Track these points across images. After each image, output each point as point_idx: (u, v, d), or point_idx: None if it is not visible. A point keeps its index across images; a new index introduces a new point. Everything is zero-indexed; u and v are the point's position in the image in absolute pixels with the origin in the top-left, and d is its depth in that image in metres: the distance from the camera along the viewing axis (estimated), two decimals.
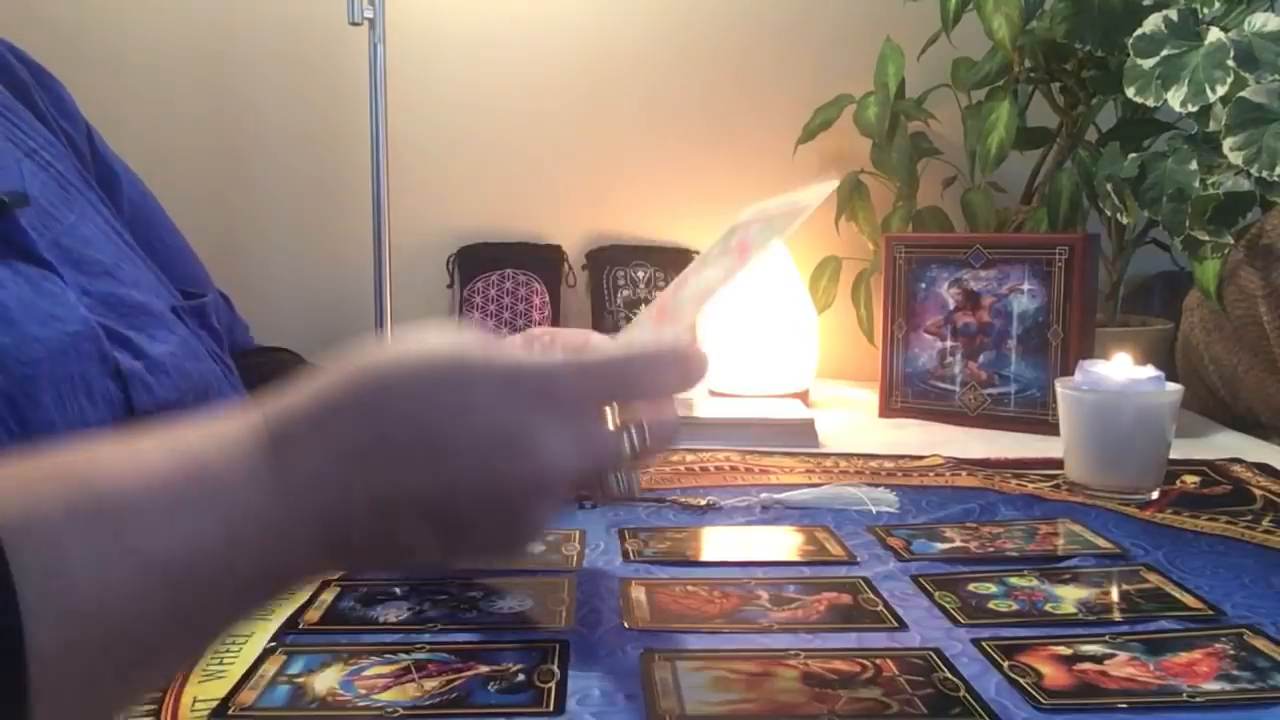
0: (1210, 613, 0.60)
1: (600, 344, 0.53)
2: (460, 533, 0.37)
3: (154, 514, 0.30)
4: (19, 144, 0.52)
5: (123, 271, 0.52)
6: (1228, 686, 0.51)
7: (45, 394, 0.41)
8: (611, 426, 0.39)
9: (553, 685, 0.49)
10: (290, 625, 0.56)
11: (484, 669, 0.50)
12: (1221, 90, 1.03)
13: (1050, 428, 1.07)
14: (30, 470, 0.29)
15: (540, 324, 1.46)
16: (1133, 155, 1.13)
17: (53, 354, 0.42)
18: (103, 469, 0.30)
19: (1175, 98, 1.06)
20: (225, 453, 0.33)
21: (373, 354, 0.37)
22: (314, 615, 0.57)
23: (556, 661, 0.52)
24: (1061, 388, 0.87)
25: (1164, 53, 1.08)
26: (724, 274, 0.45)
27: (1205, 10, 1.09)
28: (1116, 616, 0.60)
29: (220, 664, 0.51)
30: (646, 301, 1.47)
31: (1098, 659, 0.54)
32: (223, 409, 0.36)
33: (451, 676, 0.50)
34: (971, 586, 0.64)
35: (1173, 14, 1.08)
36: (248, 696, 0.47)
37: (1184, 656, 0.54)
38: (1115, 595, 0.64)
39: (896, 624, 0.59)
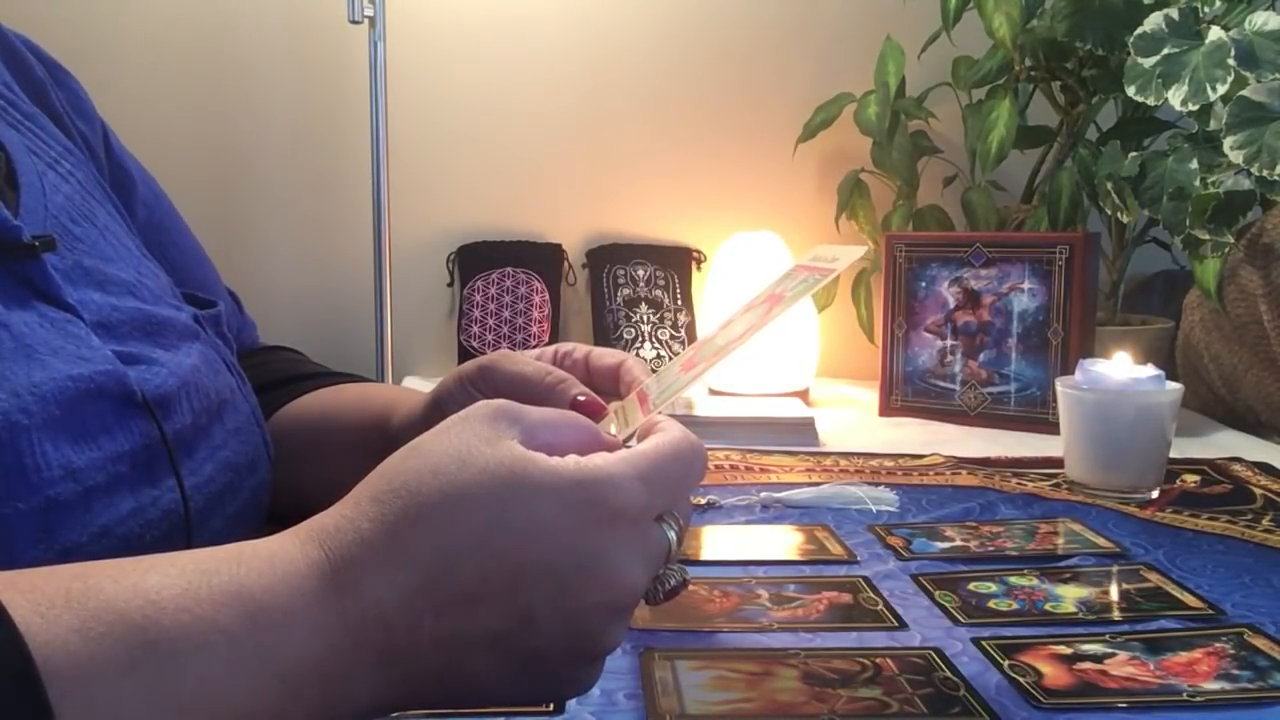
0: (1210, 612, 0.60)
1: (633, 367, 0.52)
2: (532, 663, 0.35)
3: (212, 669, 0.29)
4: (41, 155, 0.51)
5: (145, 287, 0.52)
6: (1228, 686, 0.51)
7: (64, 434, 0.40)
8: (662, 525, 0.38)
9: None
10: None
11: None
12: (1222, 89, 1.03)
13: (1050, 427, 1.07)
14: (88, 615, 0.28)
15: (540, 322, 1.46)
16: (1133, 154, 1.13)
17: (82, 394, 0.41)
18: (163, 617, 0.29)
19: (1176, 96, 1.06)
20: (285, 601, 0.31)
21: (425, 462, 0.35)
22: None
23: None
24: (1062, 387, 0.87)
25: (1164, 51, 1.08)
26: (750, 326, 0.45)
27: (1206, 9, 1.08)
28: (1116, 616, 0.60)
29: None
30: (646, 300, 1.47)
31: (1098, 658, 0.54)
32: (275, 531, 0.34)
33: None
34: (971, 586, 0.64)
35: (1173, 13, 1.08)
36: None
37: (1184, 656, 0.54)
38: (1115, 594, 0.64)
39: (896, 623, 0.59)
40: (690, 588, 0.62)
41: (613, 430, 0.45)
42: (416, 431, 0.38)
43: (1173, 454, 0.86)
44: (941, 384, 1.20)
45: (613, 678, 0.51)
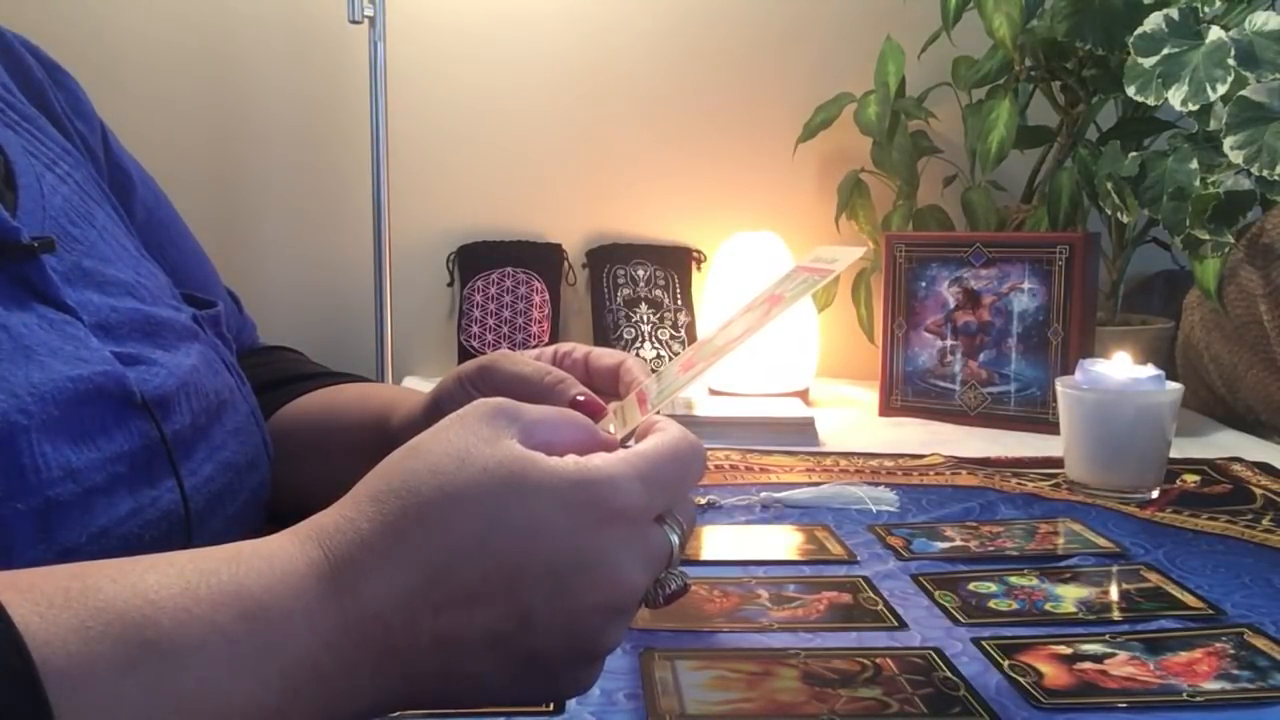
0: (1210, 612, 0.60)
1: (633, 367, 0.52)
2: (530, 663, 0.35)
3: (211, 668, 0.29)
4: (39, 156, 0.51)
5: (144, 288, 0.52)
6: (1228, 686, 0.51)
7: (63, 434, 0.40)
8: (664, 527, 0.38)
9: None
10: None
11: None
12: (1222, 89, 1.03)
13: (1050, 426, 1.07)
14: (88, 615, 0.28)
15: (540, 323, 1.46)
16: (1133, 154, 1.13)
17: (81, 394, 0.41)
18: (162, 617, 0.29)
19: (1176, 96, 1.06)
20: (284, 601, 0.31)
21: (423, 461, 0.35)
22: None
23: None
24: (1062, 386, 0.87)
25: (1165, 51, 1.08)
26: (749, 327, 0.46)
27: (1206, 9, 1.08)
28: (1116, 616, 0.60)
29: None
30: (646, 300, 1.47)
31: (1098, 658, 0.54)
32: (274, 531, 0.34)
33: None
34: (971, 586, 0.64)
35: (1173, 13, 1.08)
36: None
37: (1184, 656, 0.54)
38: (1115, 594, 0.64)
39: (896, 623, 0.59)
40: (691, 588, 0.62)
41: (611, 430, 0.45)
42: (416, 431, 0.38)
43: (1173, 454, 0.86)
44: (941, 384, 1.20)
45: (613, 678, 0.51)
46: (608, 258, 1.50)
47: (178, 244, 0.66)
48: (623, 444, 0.41)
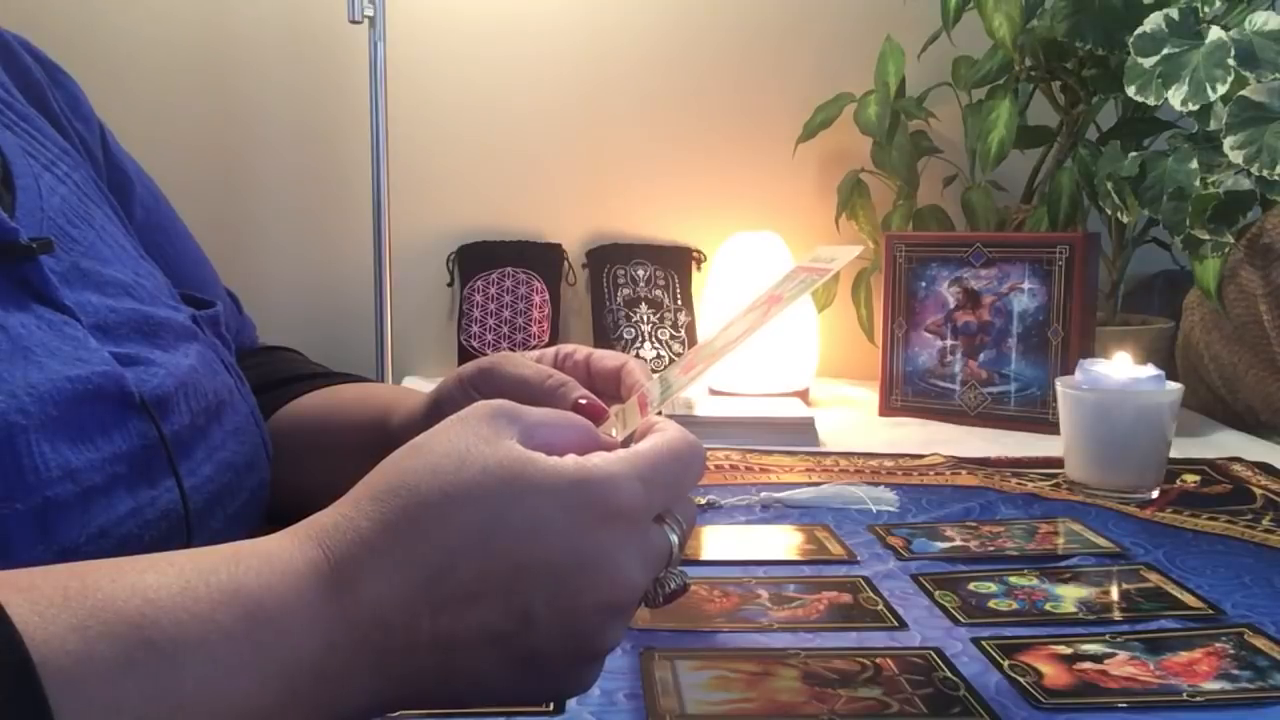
0: (1210, 612, 0.60)
1: (635, 370, 0.52)
2: (530, 663, 0.35)
3: (210, 668, 0.29)
4: (38, 157, 0.51)
5: (142, 288, 0.52)
6: (1228, 686, 0.51)
7: (62, 435, 0.40)
8: (664, 526, 0.39)
9: None
10: None
11: None
12: (1222, 89, 1.03)
13: (1050, 427, 1.07)
14: (86, 614, 0.28)
15: (540, 322, 1.46)
16: (1133, 154, 1.13)
17: (79, 395, 0.41)
18: (161, 616, 0.29)
19: (1176, 96, 1.06)
20: (284, 600, 0.31)
21: (424, 461, 0.35)
22: None
23: None
24: (1062, 386, 0.87)
25: (1165, 51, 1.08)
26: (749, 327, 0.46)
27: (1206, 9, 1.08)
28: (1116, 616, 0.60)
29: None
30: (646, 300, 1.47)
31: (1098, 658, 0.54)
32: (273, 530, 0.34)
33: None
34: (971, 585, 0.64)
35: (1173, 12, 1.08)
36: None
37: (1184, 656, 0.54)
38: (1115, 594, 0.64)
39: (896, 623, 0.59)
40: (690, 588, 0.62)
41: (613, 433, 0.45)
42: (416, 431, 0.38)
43: (1173, 454, 0.86)
44: (941, 384, 1.20)
45: (613, 678, 0.51)
46: (608, 258, 1.50)
47: (176, 244, 0.66)
48: (623, 446, 0.41)
